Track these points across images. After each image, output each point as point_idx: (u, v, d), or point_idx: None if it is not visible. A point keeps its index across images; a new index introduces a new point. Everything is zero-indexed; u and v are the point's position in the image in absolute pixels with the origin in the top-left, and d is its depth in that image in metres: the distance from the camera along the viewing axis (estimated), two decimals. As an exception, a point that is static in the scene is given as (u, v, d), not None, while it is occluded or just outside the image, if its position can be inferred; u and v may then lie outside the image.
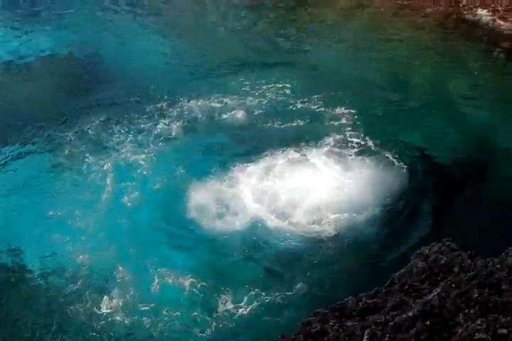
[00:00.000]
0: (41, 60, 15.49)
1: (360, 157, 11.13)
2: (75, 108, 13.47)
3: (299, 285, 8.83)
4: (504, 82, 12.96)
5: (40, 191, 11.33)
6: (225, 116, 12.78)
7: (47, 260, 10.03)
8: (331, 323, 5.61)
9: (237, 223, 10.04)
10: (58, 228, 10.44)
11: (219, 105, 13.06)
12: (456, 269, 5.64)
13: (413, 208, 9.84)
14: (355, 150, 11.31)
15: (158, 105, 13.15)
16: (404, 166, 10.81)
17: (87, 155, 12.02)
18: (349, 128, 11.86)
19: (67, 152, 12.19)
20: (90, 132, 12.60)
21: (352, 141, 11.54)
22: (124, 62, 15.23)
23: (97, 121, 12.89)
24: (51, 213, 10.69)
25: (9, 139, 12.73)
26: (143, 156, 11.83)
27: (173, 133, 12.45)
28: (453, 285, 4.99)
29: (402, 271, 6.31)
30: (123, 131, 12.55)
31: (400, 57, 14.16)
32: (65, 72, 14.92)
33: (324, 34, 15.44)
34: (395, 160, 11.02)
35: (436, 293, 4.99)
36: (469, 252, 5.94)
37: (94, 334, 8.72)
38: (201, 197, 10.57)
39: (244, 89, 13.48)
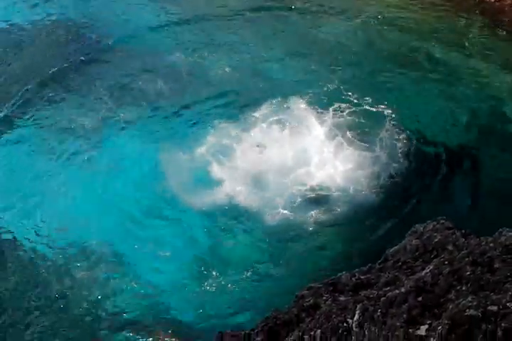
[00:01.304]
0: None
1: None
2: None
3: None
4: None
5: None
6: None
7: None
8: (324, 297, 5.70)
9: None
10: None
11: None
12: (449, 247, 5.70)
13: (410, 185, 9.88)
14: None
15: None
16: (403, 141, 10.80)
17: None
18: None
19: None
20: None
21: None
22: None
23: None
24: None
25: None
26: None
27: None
28: (446, 263, 5.05)
29: (396, 247, 6.39)
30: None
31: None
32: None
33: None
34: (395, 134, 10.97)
35: (429, 270, 5.06)
36: (463, 231, 6.01)
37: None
38: None
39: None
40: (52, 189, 10.76)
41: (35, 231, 10.13)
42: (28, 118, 12.37)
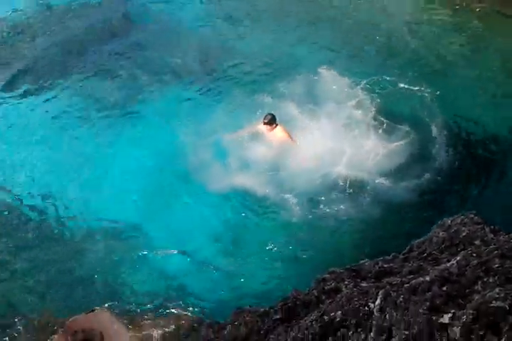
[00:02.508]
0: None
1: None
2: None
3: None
4: None
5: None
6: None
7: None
8: (345, 282, 5.70)
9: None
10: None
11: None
12: (477, 242, 5.63)
13: (441, 177, 9.72)
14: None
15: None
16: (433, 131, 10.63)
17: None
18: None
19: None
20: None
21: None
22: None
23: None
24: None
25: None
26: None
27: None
28: (473, 255, 5.00)
29: (421, 239, 6.34)
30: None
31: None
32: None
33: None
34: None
35: (455, 261, 5.02)
36: (492, 227, 5.92)
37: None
38: None
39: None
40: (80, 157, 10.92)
41: (65, 204, 10.25)
42: (63, 88, 12.64)
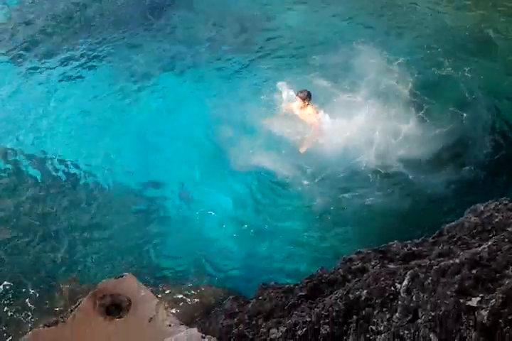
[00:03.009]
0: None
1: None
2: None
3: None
4: None
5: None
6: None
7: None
8: (372, 263, 5.68)
9: None
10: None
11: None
12: (510, 229, 5.51)
13: (474, 161, 9.52)
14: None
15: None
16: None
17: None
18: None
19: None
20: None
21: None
22: None
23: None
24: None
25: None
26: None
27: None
28: (506, 241, 4.89)
29: (452, 223, 6.24)
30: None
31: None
32: None
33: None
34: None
35: (486, 245, 4.92)
36: (527, 214, 5.78)
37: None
38: None
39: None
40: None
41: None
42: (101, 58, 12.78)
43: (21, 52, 12.74)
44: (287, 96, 10.59)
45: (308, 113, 10.10)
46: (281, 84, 10.92)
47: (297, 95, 10.10)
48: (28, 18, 13.78)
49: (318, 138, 10.01)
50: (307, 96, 9.99)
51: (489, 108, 10.54)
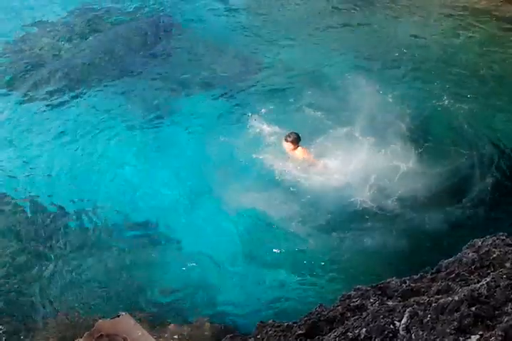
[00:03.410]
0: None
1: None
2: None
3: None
4: None
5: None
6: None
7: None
8: (371, 300, 5.63)
9: None
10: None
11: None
12: (508, 264, 5.50)
13: (472, 197, 9.52)
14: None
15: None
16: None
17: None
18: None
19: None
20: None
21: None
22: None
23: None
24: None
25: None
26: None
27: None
28: (504, 277, 4.88)
29: (450, 259, 6.23)
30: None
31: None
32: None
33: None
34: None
35: (485, 282, 4.91)
36: (524, 249, 5.79)
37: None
38: None
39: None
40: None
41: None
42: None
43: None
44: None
45: (300, 156, 10.07)
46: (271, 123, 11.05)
47: (285, 140, 9.86)
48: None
49: (320, 169, 10.00)
50: (295, 140, 9.77)
51: (488, 143, 10.55)
